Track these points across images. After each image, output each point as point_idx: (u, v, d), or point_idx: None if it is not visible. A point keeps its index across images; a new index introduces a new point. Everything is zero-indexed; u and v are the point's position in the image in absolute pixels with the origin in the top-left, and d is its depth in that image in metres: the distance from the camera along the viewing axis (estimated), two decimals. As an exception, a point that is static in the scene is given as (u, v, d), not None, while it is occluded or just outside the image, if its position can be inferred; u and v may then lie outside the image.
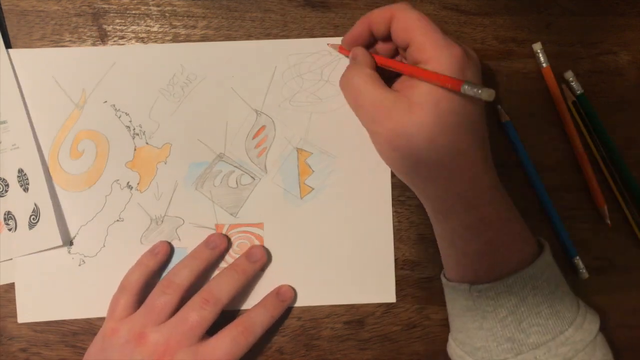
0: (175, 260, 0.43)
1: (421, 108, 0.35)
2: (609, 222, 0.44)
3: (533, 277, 0.36)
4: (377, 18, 0.38)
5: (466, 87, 0.32)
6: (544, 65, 0.43)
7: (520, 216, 0.38)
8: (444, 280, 0.40)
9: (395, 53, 0.41)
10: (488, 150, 0.37)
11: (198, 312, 0.39)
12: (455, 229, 0.37)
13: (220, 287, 0.41)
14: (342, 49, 0.42)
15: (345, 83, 0.39)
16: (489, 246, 0.36)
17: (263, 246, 0.43)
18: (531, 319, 0.36)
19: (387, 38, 0.39)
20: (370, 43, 0.40)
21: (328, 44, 0.43)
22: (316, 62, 0.43)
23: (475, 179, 0.36)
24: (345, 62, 0.43)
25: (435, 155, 0.35)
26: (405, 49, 0.37)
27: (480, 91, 0.32)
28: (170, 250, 0.43)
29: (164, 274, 0.43)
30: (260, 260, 0.42)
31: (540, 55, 0.43)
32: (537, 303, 0.36)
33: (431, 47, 0.35)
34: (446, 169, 0.35)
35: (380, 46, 0.40)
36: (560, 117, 0.44)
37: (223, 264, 0.43)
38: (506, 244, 0.37)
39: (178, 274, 0.41)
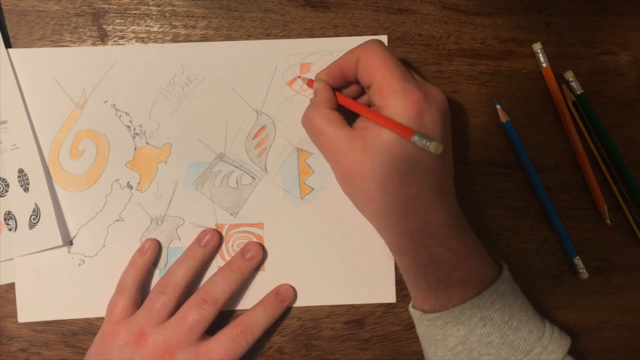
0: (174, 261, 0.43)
1: (374, 152, 0.35)
2: (609, 222, 0.44)
3: (481, 307, 0.36)
4: (347, 59, 0.38)
5: (415, 138, 0.33)
6: (544, 65, 0.43)
7: (480, 246, 0.38)
8: (410, 307, 0.40)
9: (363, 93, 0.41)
10: (447, 190, 0.37)
11: (197, 312, 0.40)
12: (409, 265, 0.37)
13: (217, 287, 0.41)
14: (311, 83, 0.42)
15: (305, 122, 0.39)
16: (440, 282, 0.36)
17: (259, 243, 0.43)
18: (481, 349, 0.36)
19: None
20: (343, 84, 0.40)
21: (299, 77, 0.43)
22: (316, 62, 0.43)
23: (426, 219, 0.36)
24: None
25: (386, 197, 0.36)
26: (368, 88, 0.38)
27: (428, 144, 0.32)
28: (159, 246, 0.43)
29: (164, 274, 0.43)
30: (255, 258, 0.42)
31: (540, 55, 0.43)
32: (487, 333, 0.36)
33: (388, 92, 0.35)
34: (397, 210, 0.36)
35: (353, 87, 0.40)
36: (560, 117, 0.44)
37: (223, 262, 0.43)
38: (459, 279, 0.36)
39: (174, 274, 0.41)
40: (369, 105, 0.39)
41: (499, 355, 0.35)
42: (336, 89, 0.40)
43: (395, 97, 0.35)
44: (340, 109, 0.39)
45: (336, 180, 0.39)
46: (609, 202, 0.44)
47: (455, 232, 0.36)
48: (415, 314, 0.39)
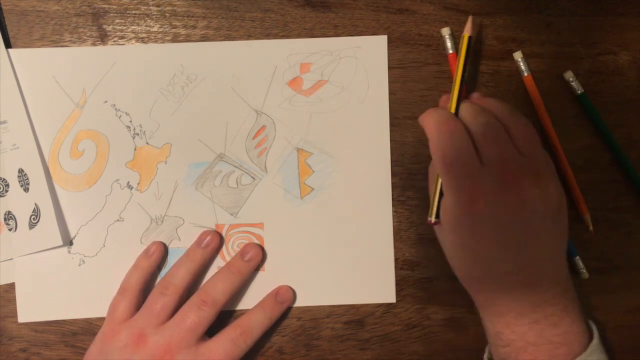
0: (175, 261, 0.43)
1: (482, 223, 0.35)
2: (592, 229, 0.44)
3: None
4: None
5: None
6: (525, 74, 0.43)
7: (580, 315, 0.37)
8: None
9: None
10: (560, 260, 0.37)
11: (196, 313, 0.40)
12: (504, 330, 0.36)
13: (216, 288, 0.41)
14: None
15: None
16: (538, 354, 0.36)
17: (258, 244, 0.43)
18: None
19: None
20: None
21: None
22: (316, 62, 0.43)
23: (534, 290, 0.36)
24: (345, 63, 0.43)
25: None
26: None
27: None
28: (165, 250, 0.43)
29: (163, 273, 0.43)
30: (255, 259, 0.42)
31: (522, 63, 0.43)
32: None
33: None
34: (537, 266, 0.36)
35: None
36: (544, 126, 0.44)
37: (223, 263, 0.43)
38: (557, 352, 0.35)
39: (175, 275, 0.41)
40: None
41: None
42: None
43: None
44: None
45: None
46: (618, 201, 0.44)
47: (561, 307, 0.36)
48: None
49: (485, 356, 0.39)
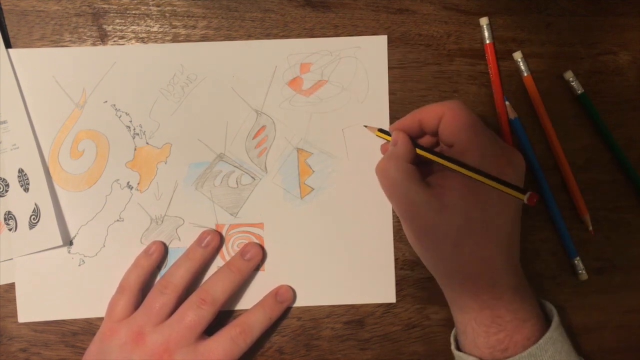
0: (174, 261, 0.43)
1: (452, 213, 0.35)
2: (591, 229, 0.44)
3: (536, 356, 0.36)
4: (428, 114, 0.38)
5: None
6: (525, 74, 0.43)
7: (537, 304, 0.38)
8: (454, 349, 0.39)
9: (436, 145, 0.41)
10: (513, 254, 0.38)
11: (195, 312, 0.40)
12: (469, 322, 0.37)
13: (216, 287, 0.41)
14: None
15: (381, 172, 0.38)
16: (500, 342, 0.36)
17: (258, 244, 0.43)
18: None
19: (435, 133, 0.39)
20: (417, 136, 0.40)
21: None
22: (316, 62, 0.43)
23: (493, 282, 0.36)
24: (345, 63, 0.43)
25: (457, 258, 0.36)
26: (450, 146, 0.38)
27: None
28: (165, 249, 0.43)
29: (163, 273, 0.43)
30: (254, 258, 0.42)
31: (522, 63, 0.43)
32: None
33: (475, 154, 0.36)
34: (467, 271, 0.36)
35: (427, 138, 0.41)
36: (544, 126, 0.44)
37: (223, 262, 0.43)
38: (517, 340, 0.36)
39: (174, 274, 0.41)
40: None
41: None
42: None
43: (480, 159, 0.36)
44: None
45: (405, 234, 0.39)
46: (622, 201, 0.44)
47: (518, 296, 0.36)
48: (468, 358, 0.37)
49: (452, 338, 0.40)
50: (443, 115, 0.37)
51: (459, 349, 0.39)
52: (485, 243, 0.36)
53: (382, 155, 0.41)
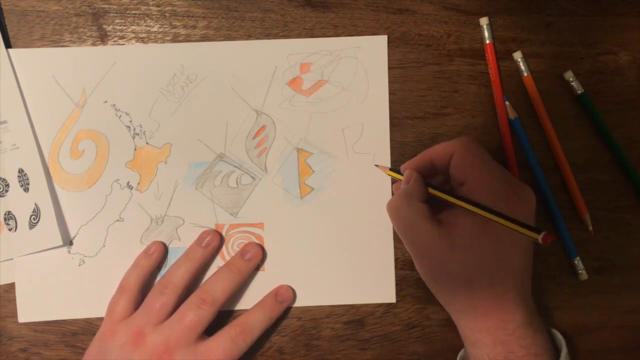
0: (174, 261, 0.43)
1: (464, 250, 0.35)
2: (591, 229, 0.44)
3: None
4: (439, 153, 0.38)
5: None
6: (525, 74, 0.43)
7: (546, 334, 0.37)
8: None
9: (447, 182, 0.41)
10: (526, 288, 0.37)
11: (195, 312, 0.40)
12: (482, 358, 0.37)
13: (216, 287, 0.41)
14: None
15: (392, 211, 0.38)
16: None
17: (258, 244, 0.43)
18: None
19: (446, 171, 0.39)
20: (428, 175, 0.40)
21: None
22: (316, 62, 0.43)
23: (507, 318, 0.36)
24: (345, 63, 0.43)
25: (471, 295, 0.36)
26: (461, 185, 0.38)
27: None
28: (165, 250, 0.43)
29: (163, 273, 0.43)
30: (255, 258, 0.42)
31: (522, 63, 0.43)
32: None
33: (485, 191, 0.36)
34: (481, 308, 0.36)
35: (438, 177, 0.41)
36: (544, 127, 0.44)
37: (223, 263, 0.43)
38: None
39: (174, 274, 0.41)
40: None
41: None
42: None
43: (492, 197, 0.36)
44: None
45: (418, 271, 0.39)
46: (622, 200, 0.44)
47: (530, 330, 0.36)
48: None
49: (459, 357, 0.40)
50: (453, 154, 0.37)
51: None
52: (499, 280, 0.36)
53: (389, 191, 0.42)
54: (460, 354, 0.40)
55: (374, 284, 0.44)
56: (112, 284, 0.42)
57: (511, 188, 0.36)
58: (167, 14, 0.43)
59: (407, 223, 0.37)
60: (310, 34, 0.44)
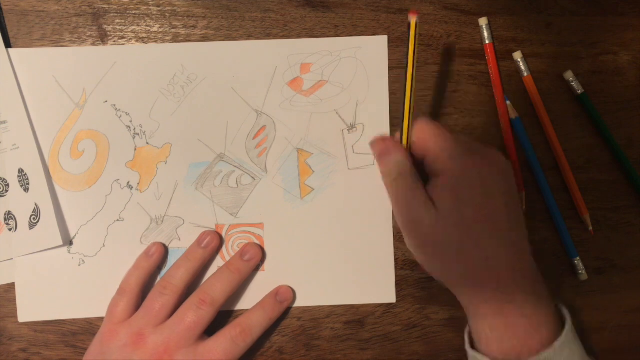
0: (174, 261, 0.43)
1: (447, 215, 0.36)
2: (591, 229, 0.44)
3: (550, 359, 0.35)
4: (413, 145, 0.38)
5: None
6: (525, 74, 0.43)
7: (551, 303, 0.37)
8: (468, 348, 0.39)
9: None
10: (520, 253, 0.37)
11: (195, 312, 0.40)
12: (483, 329, 0.37)
13: (215, 287, 0.41)
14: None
15: (390, 164, 0.38)
16: (513, 348, 0.36)
17: (257, 244, 0.43)
18: None
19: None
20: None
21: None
22: (316, 62, 0.43)
23: (501, 285, 0.36)
24: (345, 63, 0.43)
25: (462, 263, 0.36)
26: (422, 160, 0.38)
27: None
28: (165, 251, 0.43)
29: (163, 273, 0.43)
30: (254, 259, 0.42)
31: (521, 63, 0.43)
32: None
33: (444, 157, 0.36)
34: (472, 276, 0.36)
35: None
36: (544, 126, 0.44)
37: (223, 263, 0.43)
38: (531, 346, 0.36)
39: (174, 275, 0.41)
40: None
41: None
42: None
43: (453, 161, 0.36)
44: None
45: (410, 250, 0.38)
46: (624, 200, 0.44)
47: (531, 299, 0.36)
48: (483, 358, 0.37)
49: (466, 336, 0.39)
50: (413, 134, 0.38)
51: (472, 346, 0.38)
52: (486, 242, 0.36)
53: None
54: (467, 329, 0.40)
55: (374, 284, 0.44)
56: (112, 284, 0.42)
57: (471, 151, 0.36)
58: (167, 14, 0.43)
59: (408, 184, 0.37)
60: (311, 34, 0.44)
